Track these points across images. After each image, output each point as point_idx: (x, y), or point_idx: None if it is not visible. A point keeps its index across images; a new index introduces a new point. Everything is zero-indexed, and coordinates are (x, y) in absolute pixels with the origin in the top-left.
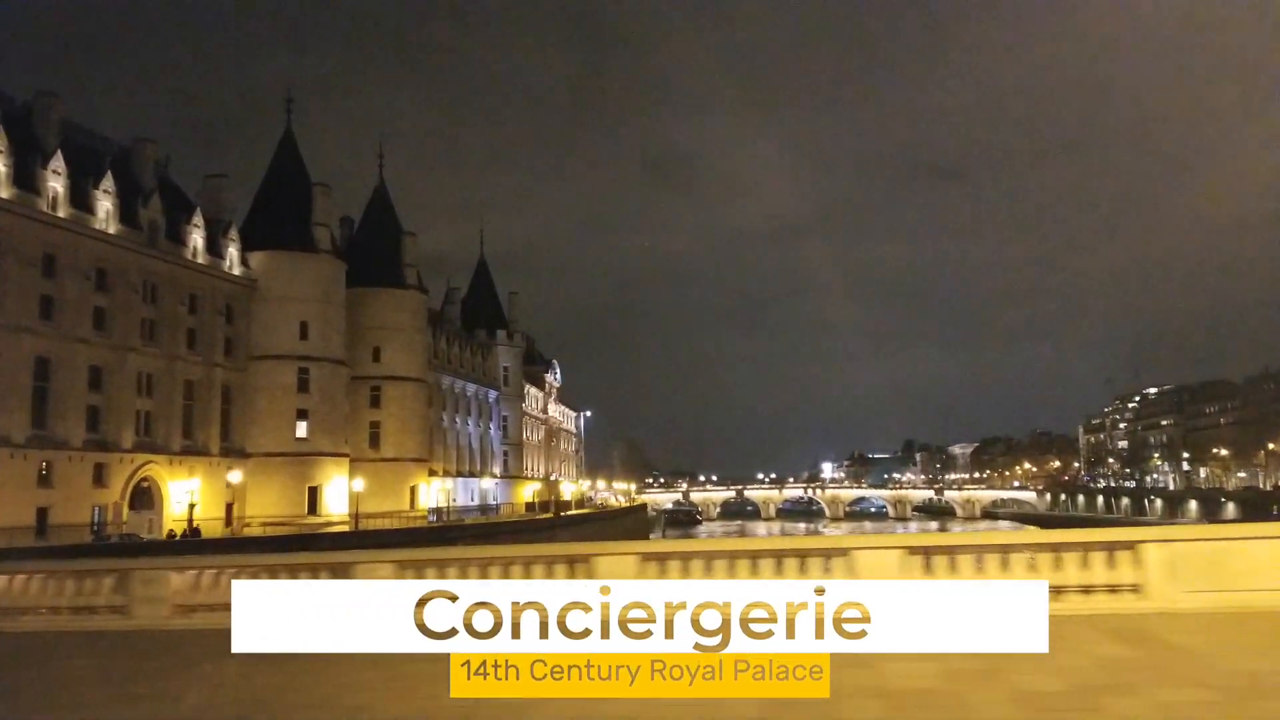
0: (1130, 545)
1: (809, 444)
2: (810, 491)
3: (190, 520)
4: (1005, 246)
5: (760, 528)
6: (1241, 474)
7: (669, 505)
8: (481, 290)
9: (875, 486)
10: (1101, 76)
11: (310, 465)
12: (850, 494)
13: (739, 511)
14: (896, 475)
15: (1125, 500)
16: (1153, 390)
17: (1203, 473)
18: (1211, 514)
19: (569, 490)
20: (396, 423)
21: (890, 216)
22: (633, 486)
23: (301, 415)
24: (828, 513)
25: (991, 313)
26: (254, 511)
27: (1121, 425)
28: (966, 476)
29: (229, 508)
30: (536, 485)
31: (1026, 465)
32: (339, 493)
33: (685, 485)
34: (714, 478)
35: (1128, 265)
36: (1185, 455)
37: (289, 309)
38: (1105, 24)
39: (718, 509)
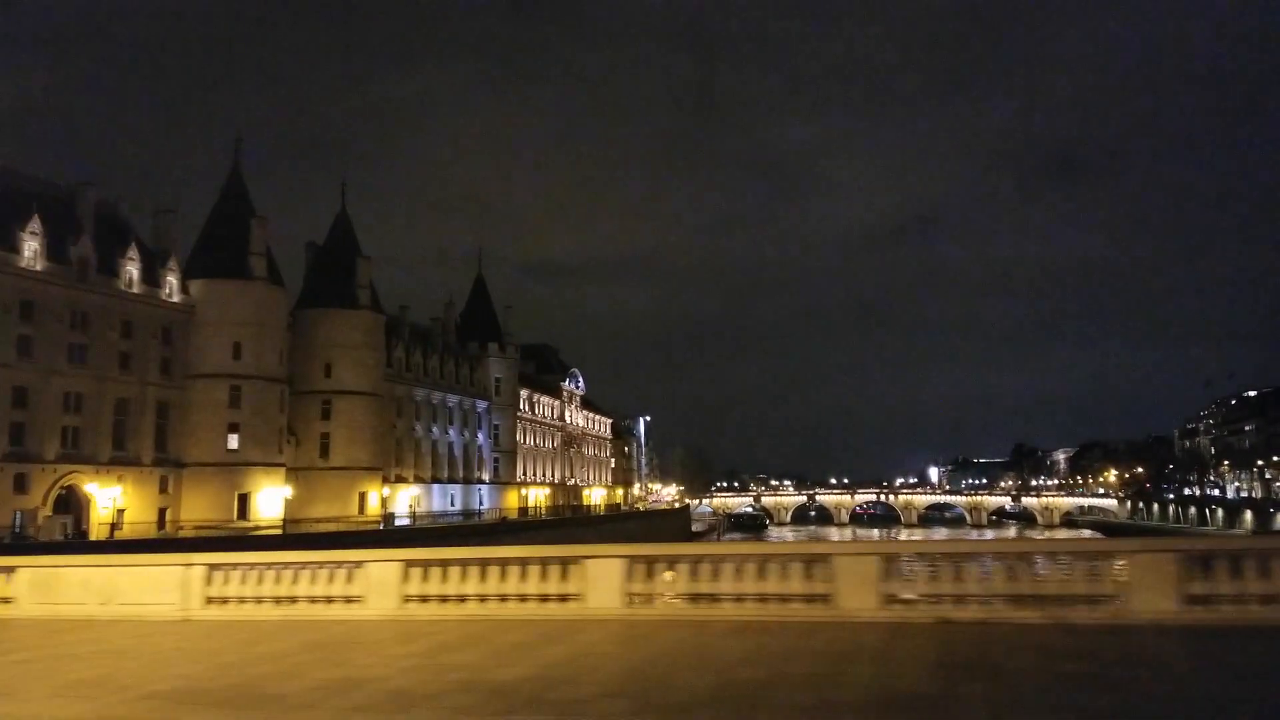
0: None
1: (917, 448)
2: (884, 496)
3: (115, 524)
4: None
5: (833, 532)
6: None
7: (743, 510)
8: (478, 304)
9: (954, 493)
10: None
11: (240, 474)
12: (924, 499)
13: (812, 517)
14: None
15: (1192, 510)
16: (1251, 393)
17: None
18: (1265, 524)
19: (598, 495)
20: (346, 434)
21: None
22: (675, 490)
23: (233, 428)
24: (902, 518)
25: (1114, 312)
26: (187, 516)
27: (1212, 431)
28: (1058, 483)
29: (162, 513)
30: (544, 490)
31: (1114, 472)
32: (271, 499)
33: (759, 489)
34: (787, 483)
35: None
36: (1260, 463)
37: (224, 332)
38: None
39: (789, 514)
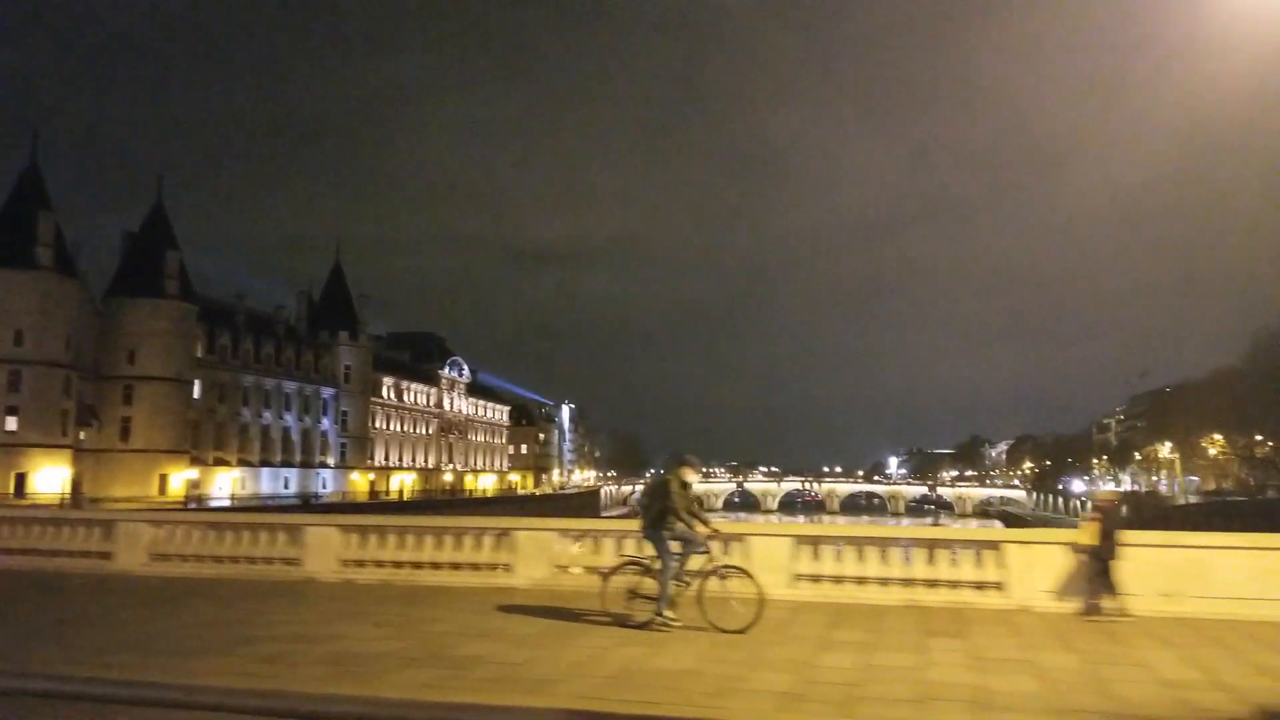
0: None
1: (877, 438)
2: (809, 484)
3: None
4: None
5: (758, 519)
6: (1193, 476)
7: None
8: (335, 293)
9: (878, 482)
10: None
11: (18, 455)
12: (846, 488)
13: (738, 504)
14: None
15: (1074, 502)
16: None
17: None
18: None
19: (489, 481)
20: (147, 418)
21: (987, 210)
22: (594, 475)
23: (11, 411)
24: (826, 506)
25: (1072, 307)
26: None
27: (1121, 425)
28: (985, 474)
29: None
30: (411, 475)
31: (1029, 464)
32: (50, 478)
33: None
34: (722, 471)
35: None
36: (1139, 458)
37: (5, 320)
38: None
39: (719, 500)
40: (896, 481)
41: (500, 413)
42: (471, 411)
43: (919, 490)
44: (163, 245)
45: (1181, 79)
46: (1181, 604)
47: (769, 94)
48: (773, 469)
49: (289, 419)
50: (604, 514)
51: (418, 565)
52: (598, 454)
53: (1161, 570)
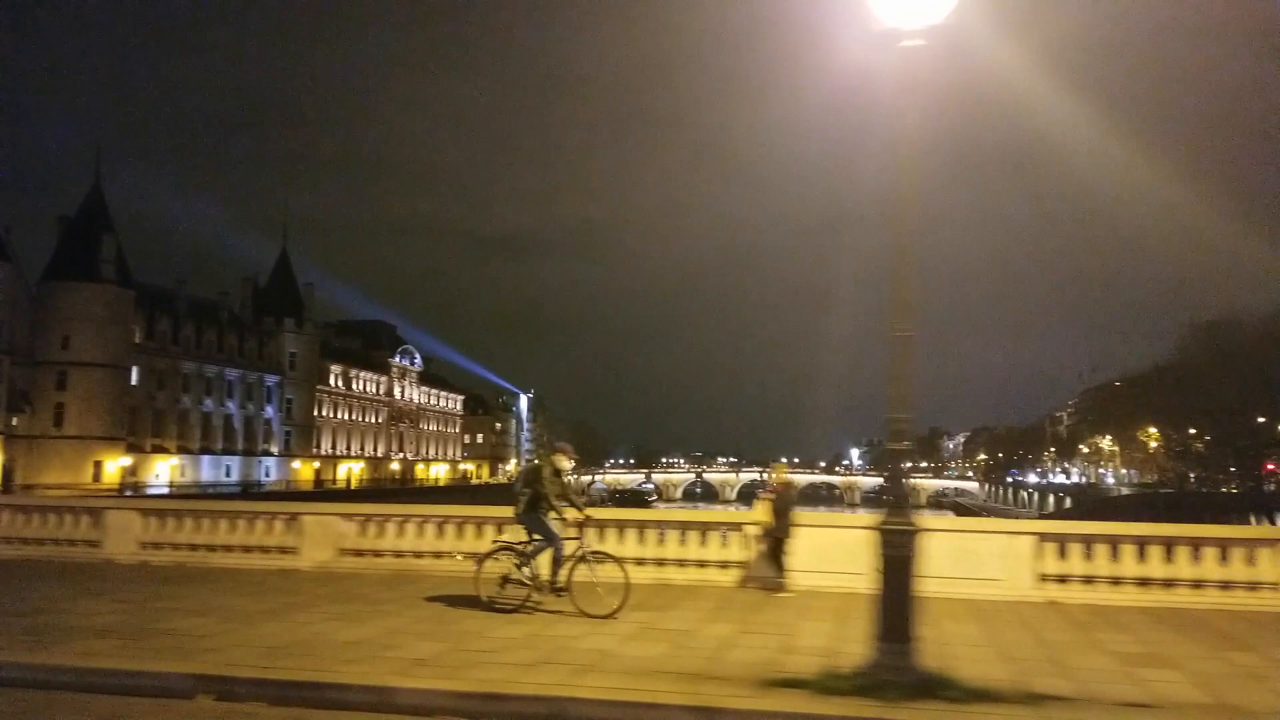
0: None
1: (840, 429)
2: (765, 475)
3: None
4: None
5: (717, 508)
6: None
7: (635, 486)
8: (281, 281)
9: (836, 473)
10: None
11: None
12: (804, 478)
13: (702, 494)
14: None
15: (1023, 493)
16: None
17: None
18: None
19: (441, 470)
20: (82, 404)
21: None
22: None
23: None
24: None
25: (1034, 302)
26: None
27: (1067, 419)
28: (940, 466)
29: None
30: (359, 464)
31: (983, 456)
32: None
33: (652, 467)
34: (680, 460)
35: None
36: (1084, 449)
37: None
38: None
39: (679, 490)
40: (854, 472)
41: (454, 402)
42: (423, 400)
43: (875, 481)
44: (99, 229)
45: None
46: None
47: (733, 84)
48: (731, 459)
49: (231, 406)
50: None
51: (211, 548)
52: (556, 443)
53: (840, 550)
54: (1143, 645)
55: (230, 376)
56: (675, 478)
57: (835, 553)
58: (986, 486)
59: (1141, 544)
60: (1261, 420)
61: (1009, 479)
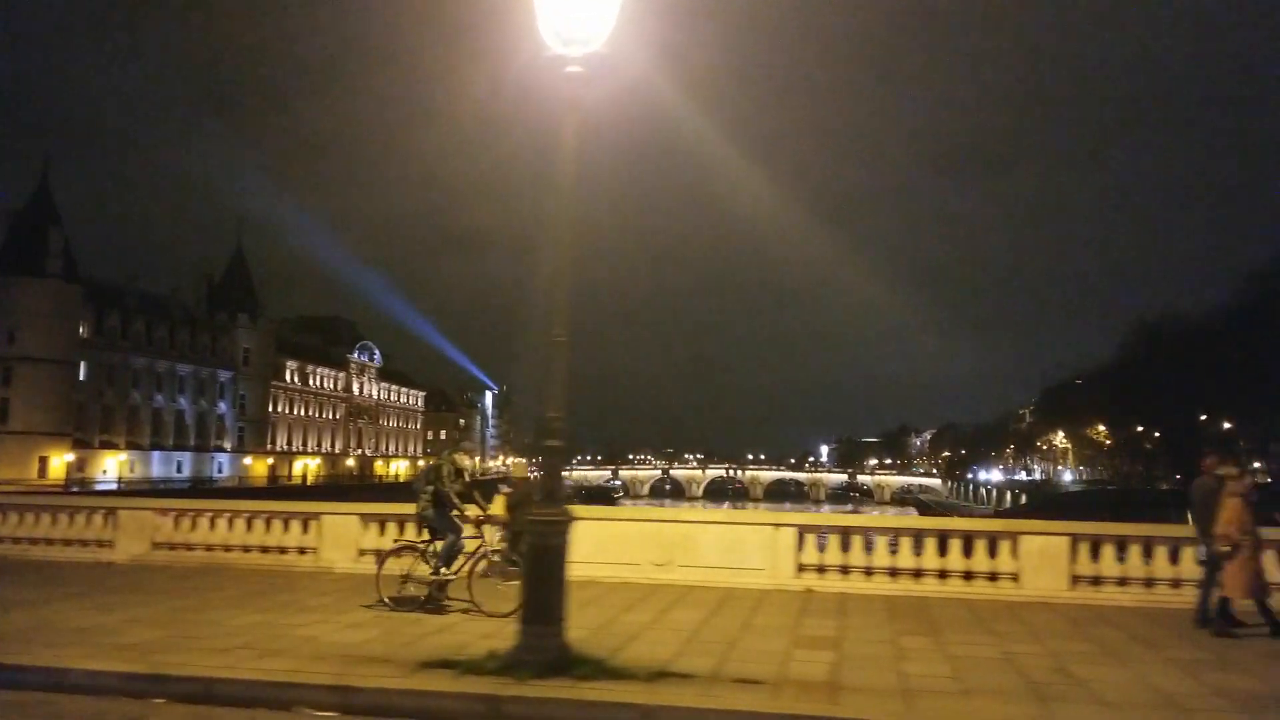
0: None
1: (806, 428)
2: (732, 472)
3: None
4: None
5: (684, 504)
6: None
7: (602, 482)
8: (236, 275)
9: (801, 469)
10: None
11: None
12: (769, 475)
13: (667, 491)
14: (873, 460)
15: (984, 491)
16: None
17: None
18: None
19: (401, 465)
20: (27, 400)
21: (911, 207)
22: (513, 461)
23: None
24: (750, 493)
25: (1001, 303)
26: None
27: (1029, 417)
28: (888, 463)
29: None
30: (314, 461)
31: (947, 453)
32: None
33: (618, 464)
34: (649, 458)
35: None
36: (1042, 446)
37: None
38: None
39: (646, 487)
40: (818, 469)
41: (415, 398)
42: (383, 396)
43: (840, 478)
44: (46, 223)
45: None
46: (671, 572)
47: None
48: (698, 456)
49: (183, 402)
50: None
51: (34, 541)
52: (527, 440)
53: (658, 543)
54: (836, 630)
55: (182, 372)
56: (642, 474)
57: (613, 545)
58: (949, 483)
59: (895, 536)
60: (1204, 418)
61: (969, 476)
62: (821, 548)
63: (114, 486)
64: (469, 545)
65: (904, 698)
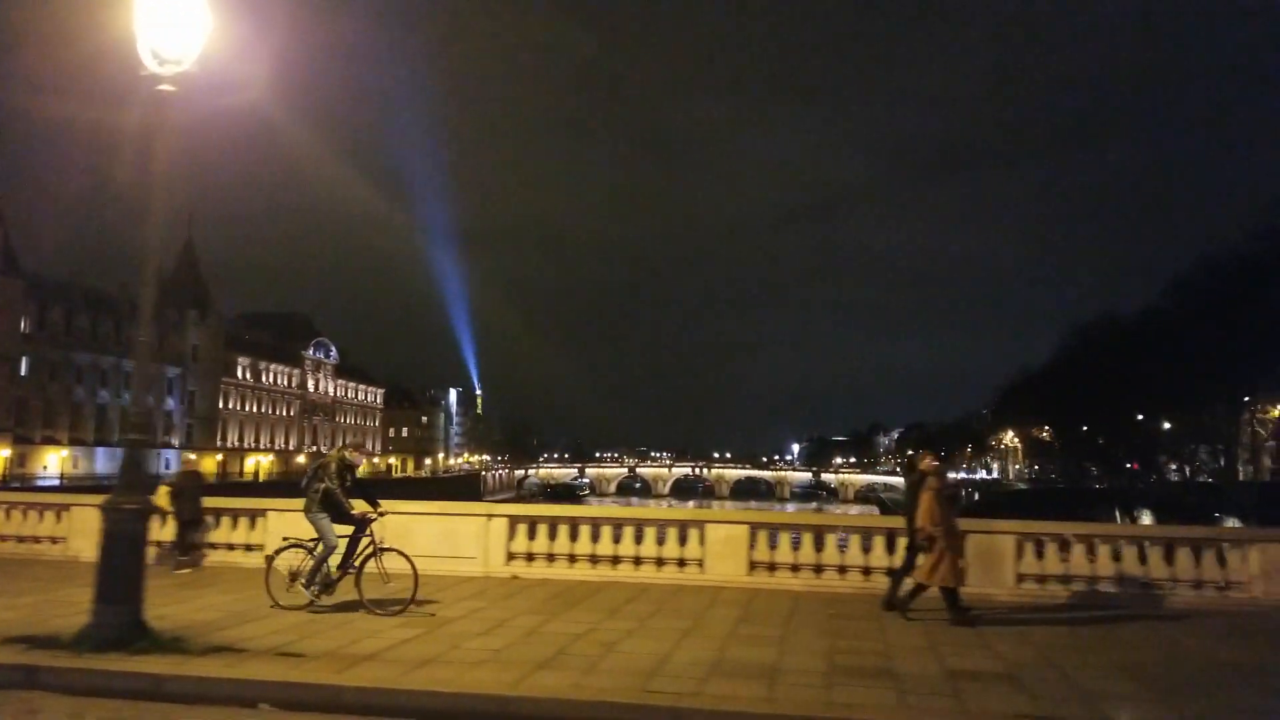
0: None
1: (783, 425)
2: (699, 470)
3: None
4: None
5: (650, 503)
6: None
7: (569, 480)
8: (185, 271)
9: (766, 468)
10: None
11: None
12: (734, 473)
13: (637, 489)
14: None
15: None
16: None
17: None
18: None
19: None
20: None
21: (892, 205)
22: (478, 459)
23: None
24: (716, 491)
25: (977, 299)
26: None
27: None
28: (854, 461)
29: None
30: (266, 457)
31: (910, 452)
32: None
33: (585, 463)
34: (619, 455)
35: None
36: (996, 445)
37: None
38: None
39: (613, 485)
40: (783, 468)
41: (374, 395)
42: (340, 393)
43: (805, 476)
44: None
45: None
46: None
47: (683, 82)
48: (666, 454)
49: (129, 398)
50: (487, 498)
51: None
52: (497, 438)
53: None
54: (468, 611)
55: (128, 368)
56: (609, 472)
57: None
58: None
59: (595, 525)
60: (1140, 418)
61: None
62: (532, 536)
63: (55, 483)
64: (361, 543)
65: (420, 666)
